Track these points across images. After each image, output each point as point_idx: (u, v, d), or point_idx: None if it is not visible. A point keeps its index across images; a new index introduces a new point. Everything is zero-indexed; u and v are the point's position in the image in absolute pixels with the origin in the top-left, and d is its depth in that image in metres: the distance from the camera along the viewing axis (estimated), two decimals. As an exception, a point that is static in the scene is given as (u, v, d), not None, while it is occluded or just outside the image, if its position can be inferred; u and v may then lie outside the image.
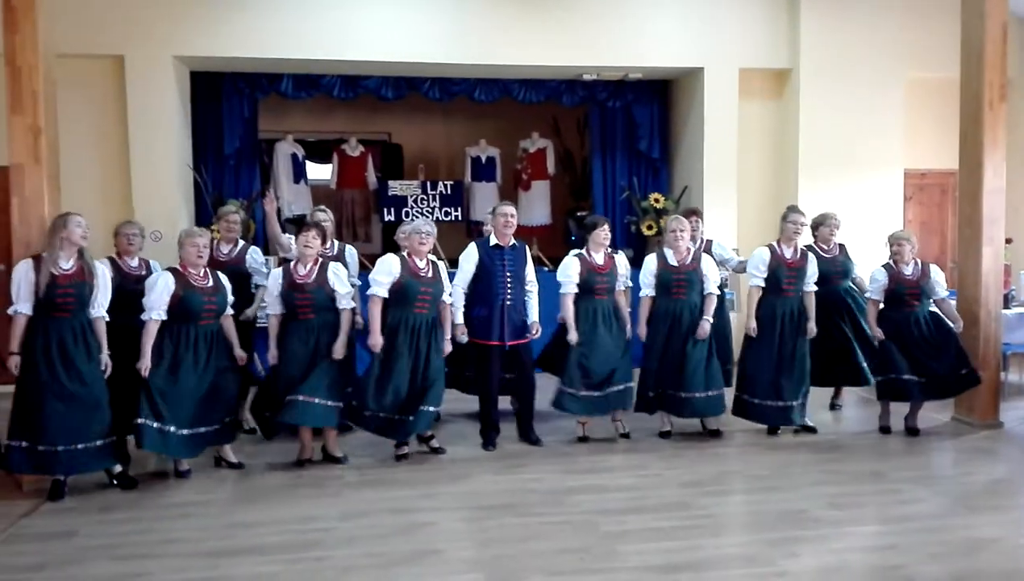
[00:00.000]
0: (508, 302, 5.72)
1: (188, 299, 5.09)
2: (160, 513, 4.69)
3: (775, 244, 6.12)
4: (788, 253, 6.07)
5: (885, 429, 6.21)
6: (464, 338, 5.70)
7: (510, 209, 5.85)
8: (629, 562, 3.95)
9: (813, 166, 8.76)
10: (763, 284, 6.03)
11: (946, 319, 6.13)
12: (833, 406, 6.91)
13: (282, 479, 5.27)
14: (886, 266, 6.13)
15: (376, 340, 5.36)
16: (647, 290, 5.95)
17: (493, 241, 5.79)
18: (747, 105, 8.92)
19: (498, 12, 8.32)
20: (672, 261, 5.92)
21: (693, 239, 6.30)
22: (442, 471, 5.40)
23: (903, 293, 6.03)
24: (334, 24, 8.07)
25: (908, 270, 6.06)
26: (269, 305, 5.38)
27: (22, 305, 4.77)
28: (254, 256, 6.17)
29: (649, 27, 8.58)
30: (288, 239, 6.12)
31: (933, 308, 6.18)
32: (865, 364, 6.36)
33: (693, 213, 6.59)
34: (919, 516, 4.54)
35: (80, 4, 7.54)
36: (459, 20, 8.27)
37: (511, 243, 5.81)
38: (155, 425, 4.97)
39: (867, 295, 6.25)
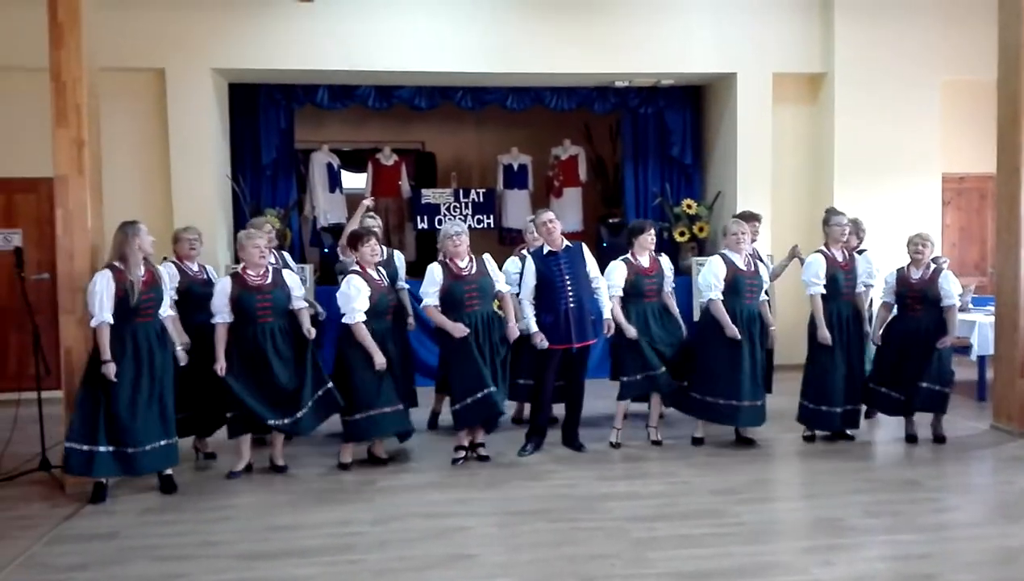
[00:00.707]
0: (572, 304, 5.73)
1: (242, 300, 5.27)
2: (199, 516, 4.78)
3: (825, 249, 6.07)
4: (839, 256, 6.03)
5: (911, 438, 6.10)
6: (545, 344, 5.71)
7: (548, 214, 5.87)
8: (660, 569, 3.95)
9: (849, 171, 8.69)
10: (824, 291, 5.94)
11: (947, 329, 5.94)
12: (868, 414, 6.82)
13: (317, 484, 5.35)
14: (898, 269, 6.06)
15: (459, 328, 5.46)
16: (715, 294, 5.81)
17: (546, 249, 5.82)
18: (781, 110, 8.89)
19: (529, 21, 8.38)
20: (741, 265, 5.87)
21: (740, 243, 6.31)
22: (476, 476, 5.44)
23: (905, 297, 5.96)
24: (368, 36, 8.19)
25: (916, 274, 5.97)
26: (354, 313, 5.38)
27: (107, 314, 4.91)
28: (288, 262, 6.31)
29: (681, 33, 8.57)
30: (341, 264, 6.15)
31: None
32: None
33: (755, 218, 6.53)
34: (955, 525, 4.49)
35: (122, 19, 7.72)
36: (491, 30, 8.34)
37: (564, 246, 5.84)
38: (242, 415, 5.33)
39: (879, 298, 6.20)
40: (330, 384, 5.46)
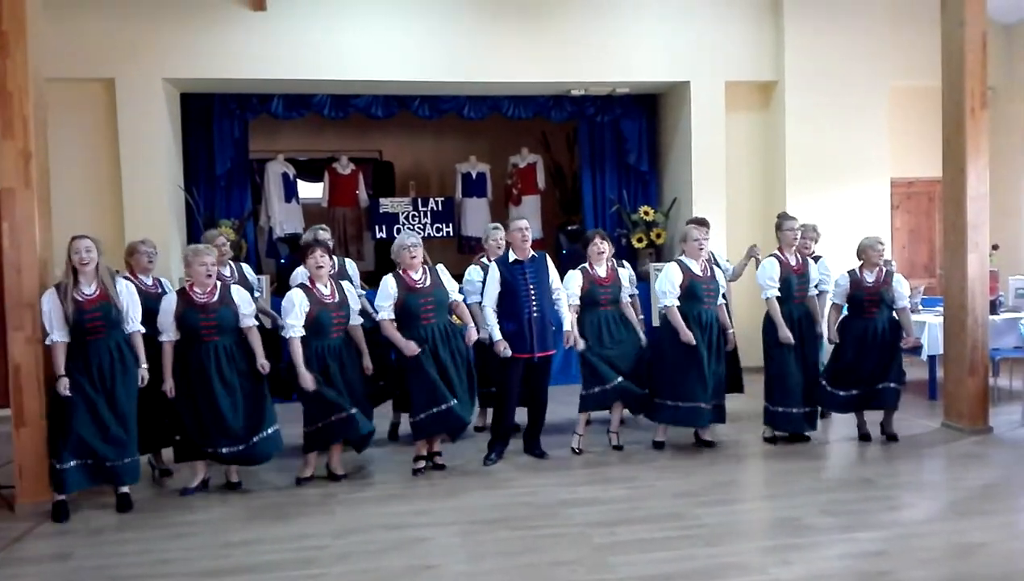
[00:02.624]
0: (536, 314, 5.75)
1: (186, 318, 5.15)
2: (154, 534, 4.69)
3: (779, 253, 6.17)
4: (792, 260, 6.13)
5: (865, 436, 6.22)
6: (508, 352, 5.71)
7: (524, 222, 5.89)
8: (622, 573, 3.97)
9: (800, 176, 8.85)
10: (779, 294, 6.05)
11: (904, 330, 6.12)
12: (823, 415, 6.93)
13: (276, 497, 5.28)
14: (850, 272, 6.18)
15: (410, 346, 5.39)
16: (670, 300, 5.88)
17: (512, 257, 5.83)
18: (734, 117, 9.02)
19: (486, 30, 8.40)
20: (697, 271, 5.94)
21: (702, 249, 6.41)
22: (437, 486, 5.42)
23: (862, 299, 6.07)
24: (324, 44, 8.14)
25: (870, 277, 6.10)
26: (291, 329, 5.28)
27: (56, 334, 4.89)
28: (248, 273, 6.24)
29: (635, 42, 8.66)
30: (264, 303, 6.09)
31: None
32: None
33: (705, 223, 6.63)
34: (909, 522, 4.58)
35: (70, 28, 7.59)
36: (448, 38, 8.35)
37: (530, 256, 5.85)
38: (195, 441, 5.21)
39: (831, 299, 6.33)
40: (277, 425, 5.36)
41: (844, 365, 6.11)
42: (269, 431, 5.29)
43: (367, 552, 4.32)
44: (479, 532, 4.57)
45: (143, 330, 5.15)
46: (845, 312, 6.24)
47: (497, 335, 5.73)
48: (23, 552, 4.49)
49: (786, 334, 5.97)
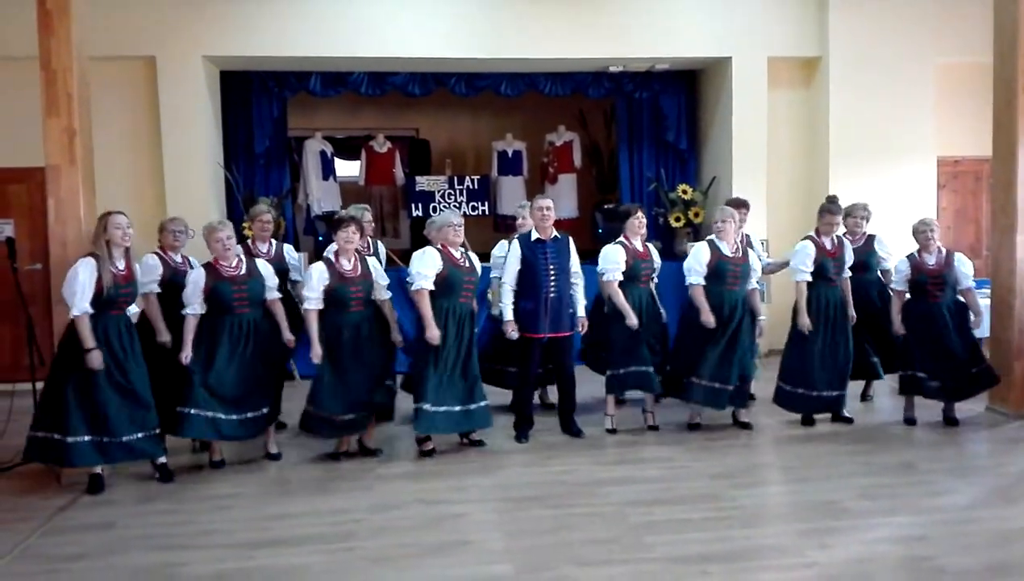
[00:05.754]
0: (552, 294, 5.73)
1: (217, 290, 5.22)
2: (196, 505, 4.78)
3: (815, 235, 6.07)
4: (828, 243, 6.03)
5: (910, 420, 6.13)
6: (515, 335, 5.71)
7: (546, 202, 5.85)
8: (658, 553, 3.96)
9: (844, 155, 8.66)
10: (810, 278, 5.97)
11: (970, 311, 6.01)
12: (865, 397, 6.84)
13: (315, 472, 5.34)
14: (909, 256, 6.05)
15: (434, 332, 5.38)
16: (697, 278, 5.85)
17: (535, 235, 5.81)
18: (776, 94, 8.85)
19: (523, 6, 8.32)
20: (727, 252, 5.88)
21: (720, 232, 6.32)
22: (473, 463, 5.44)
23: (925, 283, 5.95)
24: (361, 22, 8.13)
25: (931, 260, 5.97)
26: (309, 300, 5.35)
27: (87, 304, 4.86)
28: (291, 253, 6.27)
29: (675, 17, 8.52)
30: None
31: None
32: (876, 359, 6.36)
33: (743, 205, 6.55)
34: (951, 507, 4.51)
35: (112, 7, 7.65)
36: (484, 14, 8.29)
37: (552, 235, 5.83)
38: (194, 412, 5.14)
39: (891, 286, 6.18)
40: (266, 409, 5.42)
41: (925, 353, 5.97)
42: (263, 411, 5.36)
43: (403, 527, 4.36)
44: (515, 509, 4.59)
45: (158, 290, 5.23)
46: (904, 297, 6.10)
47: (508, 315, 5.70)
48: (68, 521, 4.59)
49: (805, 322, 5.91)
